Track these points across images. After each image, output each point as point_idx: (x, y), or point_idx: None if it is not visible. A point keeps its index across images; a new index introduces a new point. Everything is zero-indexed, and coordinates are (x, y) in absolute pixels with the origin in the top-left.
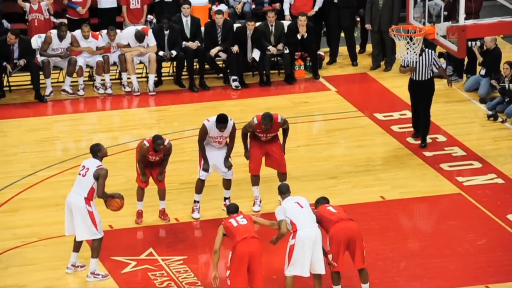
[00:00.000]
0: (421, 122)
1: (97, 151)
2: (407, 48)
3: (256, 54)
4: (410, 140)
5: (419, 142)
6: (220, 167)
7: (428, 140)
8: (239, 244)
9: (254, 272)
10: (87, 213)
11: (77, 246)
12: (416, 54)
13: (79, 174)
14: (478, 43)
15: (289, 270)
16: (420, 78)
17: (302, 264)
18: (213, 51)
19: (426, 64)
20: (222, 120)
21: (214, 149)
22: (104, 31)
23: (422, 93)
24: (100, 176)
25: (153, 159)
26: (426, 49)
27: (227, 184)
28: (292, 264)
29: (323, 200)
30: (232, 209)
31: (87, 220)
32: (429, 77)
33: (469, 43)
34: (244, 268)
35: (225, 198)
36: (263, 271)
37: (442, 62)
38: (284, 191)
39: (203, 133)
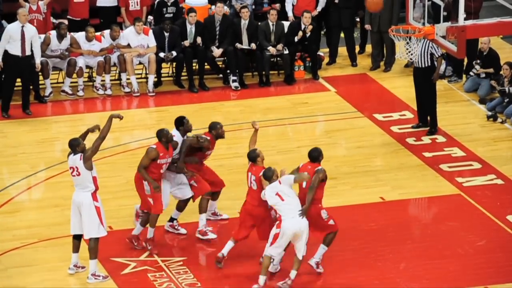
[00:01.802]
0: (427, 111)
1: (76, 145)
2: (407, 49)
3: (217, 51)
4: (410, 140)
5: (420, 142)
6: (176, 193)
7: (428, 141)
8: (245, 204)
9: (258, 229)
10: (94, 210)
11: (76, 246)
12: (415, 55)
13: (73, 176)
14: (477, 67)
15: (269, 251)
16: (419, 65)
17: (280, 251)
18: (217, 53)
19: (424, 50)
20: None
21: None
22: (106, 32)
23: (423, 80)
24: (86, 153)
25: (165, 160)
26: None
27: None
28: (273, 248)
29: (313, 157)
30: (252, 158)
31: (95, 218)
32: (428, 64)
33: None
34: (248, 224)
35: (172, 219)
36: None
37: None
38: (268, 178)
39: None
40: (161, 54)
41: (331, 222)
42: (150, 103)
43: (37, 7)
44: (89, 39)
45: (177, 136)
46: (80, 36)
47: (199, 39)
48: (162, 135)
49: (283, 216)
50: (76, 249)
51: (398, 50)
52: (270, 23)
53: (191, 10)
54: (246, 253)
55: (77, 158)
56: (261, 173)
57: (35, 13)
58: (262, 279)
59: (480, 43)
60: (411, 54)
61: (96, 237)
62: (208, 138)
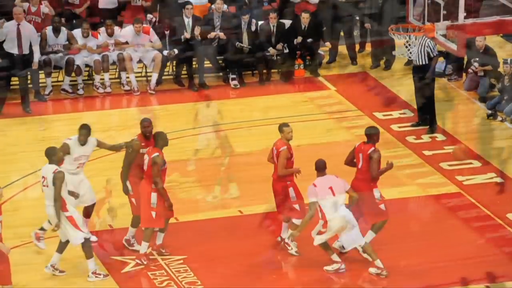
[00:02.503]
0: (426, 109)
1: (52, 155)
2: (406, 47)
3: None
4: (410, 139)
5: (419, 140)
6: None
7: (427, 139)
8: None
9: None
10: (66, 220)
11: (61, 247)
12: (412, 53)
13: (43, 186)
14: (476, 64)
15: (315, 240)
16: (416, 63)
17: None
18: (211, 34)
19: (421, 49)
20: (84, 127)
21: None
22: (103, 28)
23: (420, 79)
24: (57, 180)
25: (166, 164)
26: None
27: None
28: (318, 238)
29: (369, 134)
30: (280, 129)
31: (70, 227)
32: (426, 62)
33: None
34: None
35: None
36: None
37: (442, 61)
38: (320, 169)
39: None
40: (164, 52)
41: (382, 206)
42: (150, 102)
43: (36, 9)
44: (84, 35)
45: (73, 139)
46: (77, 32)
47: (197, 29)
48: (162, 137)
49: (328, 214)
50: (59, 249)
51: (397, 48)
52: (271, 24)
53: (187, 2)
54: (246, 251)
55: (50, 169)
56: (315, 164)
57: (33, 15)
58: (335, 256)
59: (476, 41)
60: (410, 53)
61: (80, 243)
62: (136, 137)
